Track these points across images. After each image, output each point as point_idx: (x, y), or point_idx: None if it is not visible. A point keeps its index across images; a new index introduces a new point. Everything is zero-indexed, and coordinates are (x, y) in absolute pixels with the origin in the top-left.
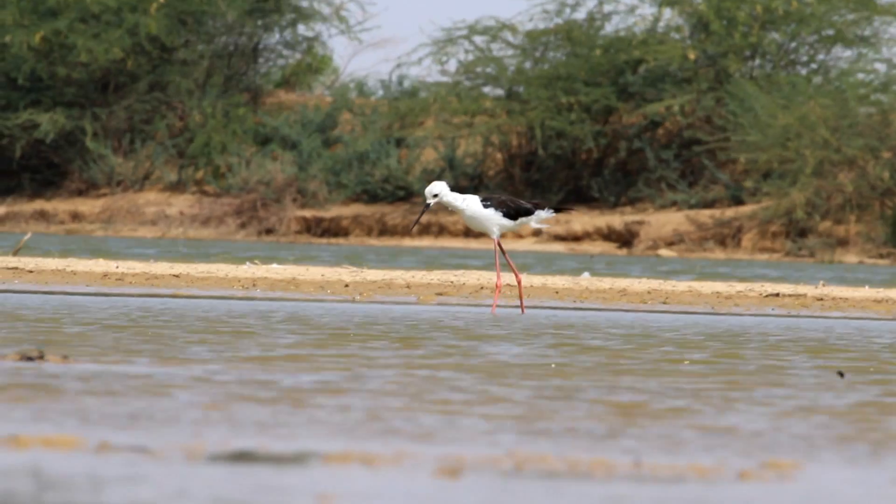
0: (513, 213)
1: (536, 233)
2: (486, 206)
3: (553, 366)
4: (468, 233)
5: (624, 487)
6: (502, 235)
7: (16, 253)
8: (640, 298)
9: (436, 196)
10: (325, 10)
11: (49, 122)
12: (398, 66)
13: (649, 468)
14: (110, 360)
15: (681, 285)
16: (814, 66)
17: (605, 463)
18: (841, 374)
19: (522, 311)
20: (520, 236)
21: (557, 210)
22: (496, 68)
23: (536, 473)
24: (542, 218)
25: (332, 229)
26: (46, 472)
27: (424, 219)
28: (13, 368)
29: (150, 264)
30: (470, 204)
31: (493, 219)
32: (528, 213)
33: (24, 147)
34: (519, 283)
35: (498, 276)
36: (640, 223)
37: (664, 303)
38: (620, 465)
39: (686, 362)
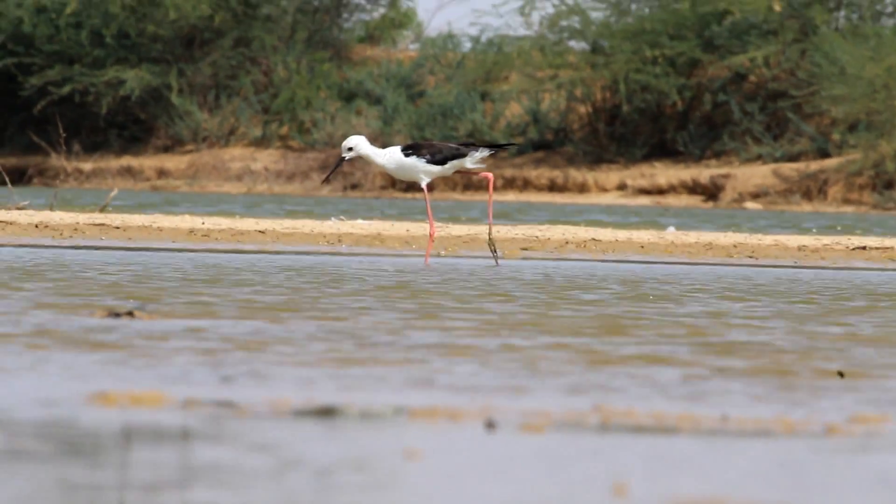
0: (440, 159)
1: (621, 186)
2: (407, 156)
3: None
4: (553, 187)
5: (709, 442)
6: (429, 184)
7: (103, 209)
8: (727, 252)
9: (350, 149)
10: None
11: (135, 79)
12: (482, 18)
13: (736, 422)
14: (195, 317)
15: (767, 239)
16: None
17: (692, 417)
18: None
19: (426, 262)
20: (604, 190)
21: (496, 147)
22: (581, 21)
23: (622, 428)
24: (476, 158)
25: (416, 184)
26: (134, 429)
27: (509, 173)
28: (100, 325)
29: (236, 220)
30: (392, 156)
31: (417, 167)
32: (460, 155)
33: (111, 104)
34: (431, 235)
35: (431, 225)
36: (726, 176)
37: (750, 256)
38: (707, 419)
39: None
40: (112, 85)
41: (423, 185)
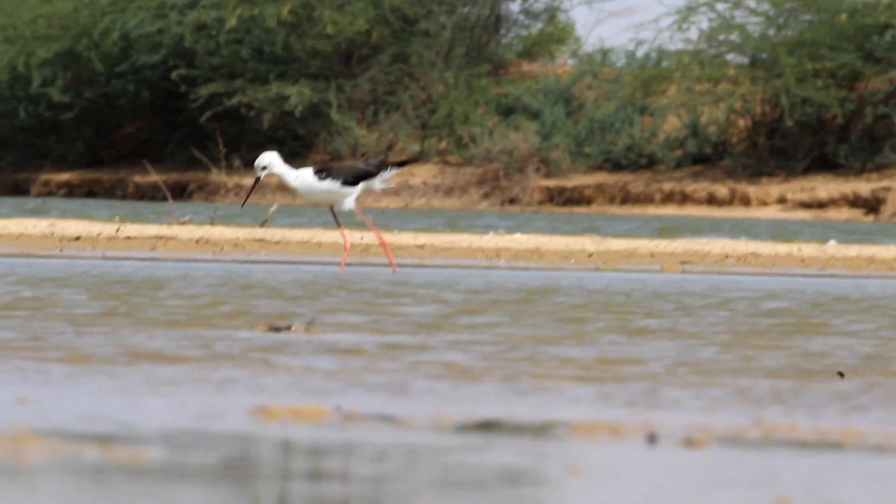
0: (351, 180)
1: (781, 199)
2: (321, 179)
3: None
4: (712, 200)
5: (873, 458)
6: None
7: (263, 224)
8: (888, 266)
9: (265, 168)
10: None
11: (297, 95)
12: (639, 33)
13: None
14: (355, 331)
15: None
16: None
17: (855, 432)
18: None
19: (394, 269)
20: (763, 203)
21: (401, 165)
22: (740, 35)
23: (785, 443)
24: (385, 178)
25: (575, 198)
26: (296, 443)
27: (668, 187)
28: (261, 339)
29: (395, 234)
30: (304, 179)
31: (334, 191)
32: (369, 175)
33: (272, 119)
34: (383, 243)
35: (379, 235)
36: (887, 189)
37: None
38: (871, 433)
39: None
40: (275, 101)
41: (349, 208)
